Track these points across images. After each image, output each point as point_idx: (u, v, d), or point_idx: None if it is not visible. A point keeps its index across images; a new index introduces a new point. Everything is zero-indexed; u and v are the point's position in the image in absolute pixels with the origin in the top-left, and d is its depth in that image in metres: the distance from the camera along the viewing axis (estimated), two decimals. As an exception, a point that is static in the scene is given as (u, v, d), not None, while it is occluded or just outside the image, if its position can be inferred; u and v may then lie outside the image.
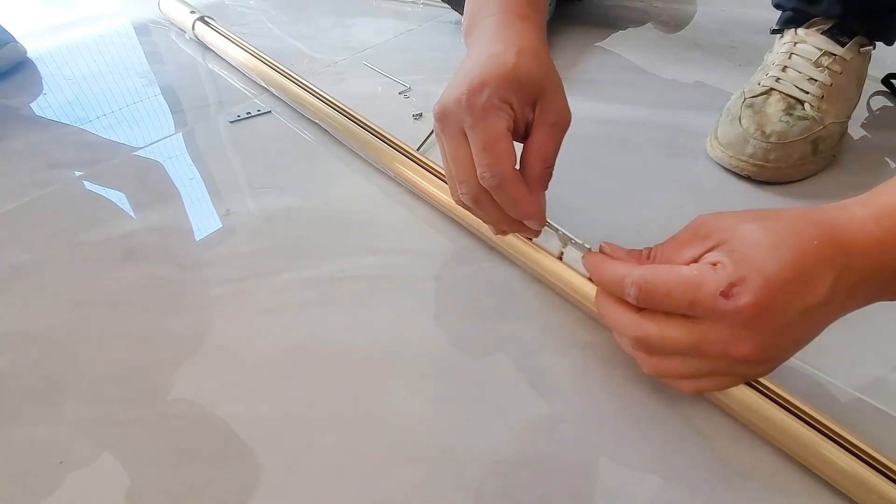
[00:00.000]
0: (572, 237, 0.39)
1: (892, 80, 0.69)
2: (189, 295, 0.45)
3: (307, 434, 0.36)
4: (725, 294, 0.26)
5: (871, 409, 0.37)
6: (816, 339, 0.35)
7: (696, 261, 0.29)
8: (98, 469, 0.34)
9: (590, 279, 0.38)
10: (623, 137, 0.62)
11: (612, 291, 0.32)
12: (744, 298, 0.25)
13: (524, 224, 0.36)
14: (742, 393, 0.34)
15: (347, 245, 0.49)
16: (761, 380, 0.34)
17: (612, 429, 0.36)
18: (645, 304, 0.29)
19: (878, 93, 0.69)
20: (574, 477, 0.34)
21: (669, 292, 0.28)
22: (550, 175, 0.36)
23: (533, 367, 0.39)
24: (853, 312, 0.31)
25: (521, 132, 0.37)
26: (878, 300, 0.29)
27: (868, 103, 0.68)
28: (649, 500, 0.32)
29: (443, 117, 0.35)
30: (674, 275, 0.28)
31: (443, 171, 0.51)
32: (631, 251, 0.33)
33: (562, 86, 0.37)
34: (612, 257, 0.33)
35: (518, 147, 0.35)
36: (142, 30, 0.87)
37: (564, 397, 0.38)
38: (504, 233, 0.40)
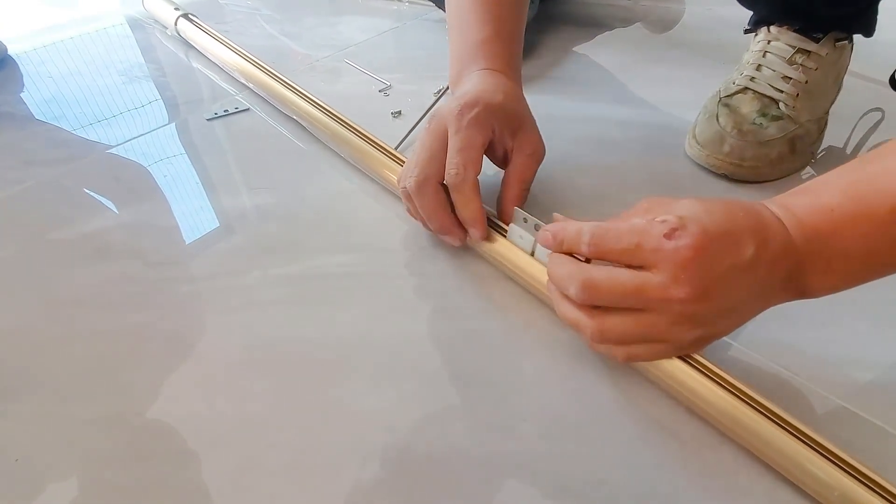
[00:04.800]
0: (540, 222, 0.39)
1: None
2: (156, 293, 0.44)
3: (267, 433, 0.35)
4: (668, 236, 0.30)
5: (843, 410, 0.36)
6: (788, 339, 0.35)
7: None
8: (54, 467, 0.33)
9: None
10: (603, 137, 0.62)
11: (569, 250, 0.35)
12: (684, 240, 0.29)
13: (457, 228, 0.43)
14: (707, 390, 0.34)
15: (320, 243, 0.49)
16: (723, 374, 0.34)
17: (576, 427, 0.36)
18: (596, 251, 0.33)
19: (861, 88, 0.68)
20: (535, 475, 0.33)
21: (619, 237, 0.32)
22: (526, 196, 0.46)
23: (498, 365, 0.39)
24: (825, 315, 0.31)
25: (500, 157, 0.47)
26: (800, 289, 0.32)
27: (852, 100, 0.67)
28: (610, 498, 0.32)
29: (434, 117, 0.44)
30: (624, 224, 0.32)
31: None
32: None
33: (536, 125, 0.47)
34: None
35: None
36: (133, 26, 0.87)
37: (528, 395, 0.37)
38: (429, 229, 0.45)
